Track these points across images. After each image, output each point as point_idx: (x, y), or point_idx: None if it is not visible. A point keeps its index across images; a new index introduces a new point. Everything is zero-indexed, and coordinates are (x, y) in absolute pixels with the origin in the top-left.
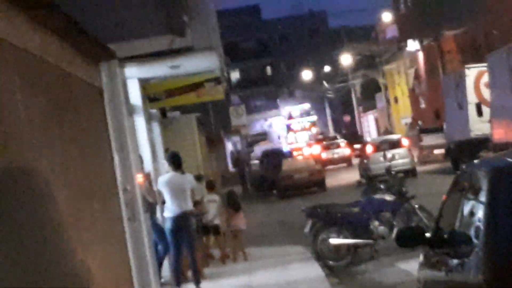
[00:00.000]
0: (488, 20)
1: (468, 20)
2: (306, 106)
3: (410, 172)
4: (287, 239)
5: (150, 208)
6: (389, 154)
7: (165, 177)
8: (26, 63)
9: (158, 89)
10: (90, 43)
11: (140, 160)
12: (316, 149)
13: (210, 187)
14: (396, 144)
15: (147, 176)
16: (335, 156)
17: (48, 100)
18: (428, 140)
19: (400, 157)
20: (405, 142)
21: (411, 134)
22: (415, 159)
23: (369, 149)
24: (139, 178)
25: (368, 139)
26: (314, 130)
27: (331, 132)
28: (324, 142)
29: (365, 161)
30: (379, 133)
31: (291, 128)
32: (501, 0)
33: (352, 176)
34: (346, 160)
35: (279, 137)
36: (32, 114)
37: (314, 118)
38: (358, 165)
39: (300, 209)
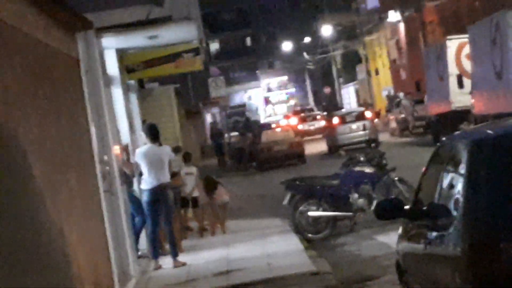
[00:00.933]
0: None
1: None
2: (284, 78)
3: (373, 141)
4: (265, 212)
5: (127, 181)
6: (353, 125)
7: (142, 149)
8: (1, 33)
9: (136, 59)
10: (67, 12)
11: (117, 131)
12: (294, 121)
13: (187, 158)
14: (360, 116)
15: (124, 147)
16: (311, 128)
17: (23, 71)
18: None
19: (363, 128)
20: (368, 114)
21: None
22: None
23: (335, 121)
24: (116, 150)
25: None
26: (292, 102)
27: (311, 104)
28: (302, 114)
29: (332, 132)
30: (359, 105)
31: (269, 101)
32: None
33: (325, 145)
34: (322, 131)
35: (257, 109)
36: (7, 85)
37: (292, 90)
38: (325, 136)
39: (279, 182)
